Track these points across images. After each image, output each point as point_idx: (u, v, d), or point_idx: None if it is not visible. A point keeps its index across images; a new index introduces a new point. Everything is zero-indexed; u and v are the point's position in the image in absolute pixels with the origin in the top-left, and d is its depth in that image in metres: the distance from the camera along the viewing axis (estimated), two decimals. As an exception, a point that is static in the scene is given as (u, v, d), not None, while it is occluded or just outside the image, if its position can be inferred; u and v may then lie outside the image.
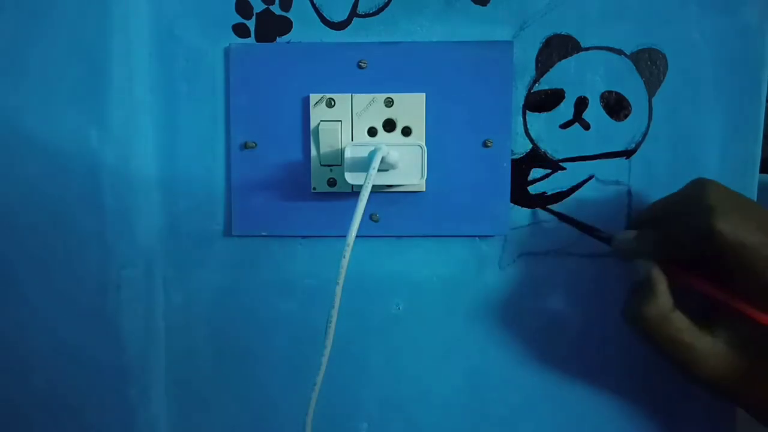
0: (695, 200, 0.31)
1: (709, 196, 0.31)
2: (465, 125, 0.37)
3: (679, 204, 0.33)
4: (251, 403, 0.40)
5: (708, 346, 0.32)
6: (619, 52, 0.37)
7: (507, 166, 0.37)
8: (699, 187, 0.32)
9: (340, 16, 0.37)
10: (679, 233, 0.32)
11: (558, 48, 0.37)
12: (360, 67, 0.37)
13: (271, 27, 0.37)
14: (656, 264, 0.33)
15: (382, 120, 0.37)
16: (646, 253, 0.33)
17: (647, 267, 0.33)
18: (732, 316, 0.32)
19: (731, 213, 0.30)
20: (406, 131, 0.37)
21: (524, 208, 0.38)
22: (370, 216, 0.38)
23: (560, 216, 0.37)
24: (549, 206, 0.38)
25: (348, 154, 0.34)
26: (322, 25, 0.37)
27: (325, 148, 0.37)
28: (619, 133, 0.37)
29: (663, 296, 0.32)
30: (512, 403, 0.39)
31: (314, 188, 0.38)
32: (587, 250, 0.38)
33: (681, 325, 0.32)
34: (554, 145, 0.38)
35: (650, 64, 0.37)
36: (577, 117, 0.37)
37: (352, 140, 0.37)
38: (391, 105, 0.37)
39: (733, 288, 0.31)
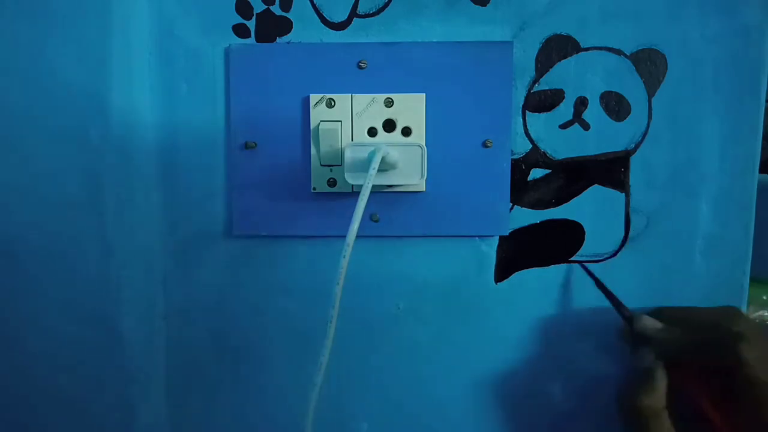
0: (727, 320, 0.32)
1: (740, 323, 0.32)
2: (465, 125, 0.37)
3: (712, 317, 0.34)
4: (251, 403, 0.40)
5: None
6: (619, 52, 0.37)
7: (507, 166, 0.37)
8: (733, 312, 0.34)
9: (340, 17, 0.37)
10: (707, 345, 0.32)
11: (558, 48, 0.37)
12: (360, 67, 0.37)
13: (271, 27, 0.37)
14: (660, 361, 0.34)
15: (382, 120, 0.37)
16: (664, 346, 0.34)
17: (654, 360, 0.34)
18: None
19: (760, 345, 0.31)
20: (406, 131, 0.37)
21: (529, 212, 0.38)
22: (370, 216, 0.38)
23: (595, 281, 0.37)
24: (586, 265, 0.38)
25: (348, 154, 0.34)
26: (322, 25, 0.37)
27: (325, 148, 0.37)
28: (618, 134, 0.37)
29: (660, 392, 0.33)
30: (512, 403, 0.39)
31: (314, 188, 0.38)
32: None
33: (666, 425, 0.33)
34: (554, 145, 0.38)
35: (650, 65, 0.37)
36: (577, 117, 0.37)
37: (352, 140, 0.37)
38: (391, 105, 0.37)
39: (731, 410, 0.32)
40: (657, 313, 0.36)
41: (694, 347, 0.33)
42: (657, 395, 0.33)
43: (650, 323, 0.35)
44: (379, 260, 0.39)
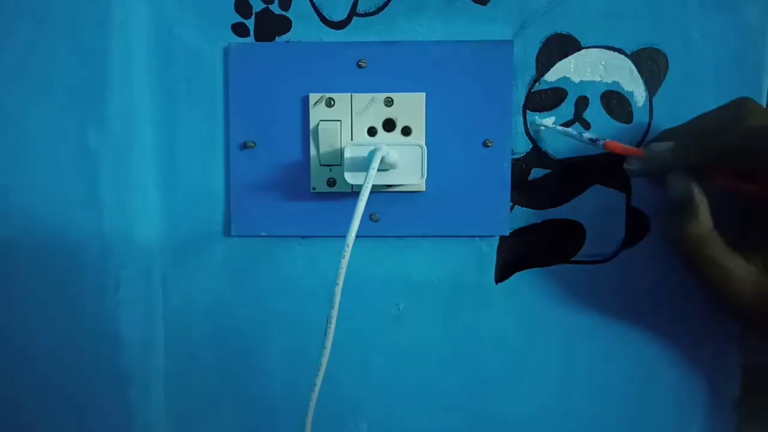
0: (742, 109, 0.31)
1: (756, 107, 0.31)
2: (465, 125, 0.37)
3: (724, 113, 0.32)
4: (251, 404, 0.40)
5: (743, 271, 0.31)
6: (620, 51, 0.37)
7: (507, 166, 0.37)
8: (744, 100, 0.32)
9: (339, 16, 0.37)
10: (727, 136, 0.31)
11: (558, 47, 0.37)
12: (360, 66, 0.37)
13: (271, 26, 0.37)
14: (695, 182, 0.32)
15: (382, 120, 0.37)
16: (685, 162, 0.32)
17: (689, 185, 0.32)
18: (766, 238, 0.32)
19: None
20: (406, 131, 0.37)
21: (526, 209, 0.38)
22: (370, 216, 0.38)
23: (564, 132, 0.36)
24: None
25: (348, 153, 0.34)
26: (322, 24, 0.37)
27: (324, 148, 0.37)
28: (619, 133, 0.37)
29: (704, 215, 0.32)
30: (512, 404, 0.39)
31: (314, 188, 0.38)
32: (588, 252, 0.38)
33: (718, 246, 0.32)
34: (555, 145, 0.37)
35: (651, 64, 0.37)
36: (578, 117, 0.37)
37: (351, 140, 0.37)
38: (391, 105, 0.37)
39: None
40: (660, 136, 0.35)
41: (716, 142, 0.31)
42: (701, 220, 0.32)
43: (660, 147, 0.33)
44: (379, 260, 0.39)
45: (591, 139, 0.35)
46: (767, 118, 0.31)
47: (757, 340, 0.37)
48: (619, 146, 0.34)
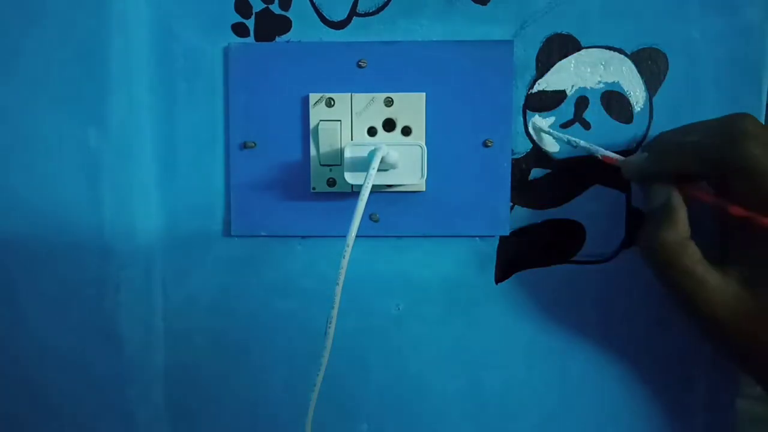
0: (729, 124, 0.30)
1: (746, 123, 0.30)
2: (465, 125, 0.37)
3: (709, 128, 0.32)
4: (251, 403, 0.40)
5: (718, 282, 0.31)
6: (620, 51, 0.37)
7: (507, 166, 0.37)
8: (734, 117, 0.31)
9: (339, 15, 0.37)
10: (704, 148, 0.30)
11: (558, 47, 0.37)
12: (360, 66, 0.37)
13: (271, 26, 0.37)
14: (675, 190, 0.32)
15: (382, 120, 0.37)
16: (660, 169, 0.32)
17: (667, 192, 0.32)
18: (746, 251, 0.31)
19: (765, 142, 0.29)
20: (406, 131, 0.37)
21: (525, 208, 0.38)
22: (369, 216, 0.38)
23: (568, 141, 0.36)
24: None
25: (348, 153, 0.34)
26: (322, 24, 0.37)
27: (324, 148, 0.37)
28: (619, 133, 0.37)
29: (682, 223, 0.31)
30: (512, 404, 0.39)
31: (314, 188, 0.38)
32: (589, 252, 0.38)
33: (695, 256, 0.31)
34: (555, 145, 0.37)
35: (651, 64, 0.37)
36: (578, 117, 0.37)
37: (351, 140, 0.37)
38: (391, 105, 0.37)
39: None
40: (644, 146, 0.35)
41: (693, 157, 0.31)
42: (678, 227, 0.31)
43: (635, 158, 0.33)
44: (379, 260, 0.39)
45: (580, 146, 0.36)
46: (761, 128, 0.30)
47: (726, 358, 0.36)
48: (606, 156, 0.35)
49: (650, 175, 0.33)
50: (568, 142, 0.36)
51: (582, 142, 0.36)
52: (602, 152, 0.35)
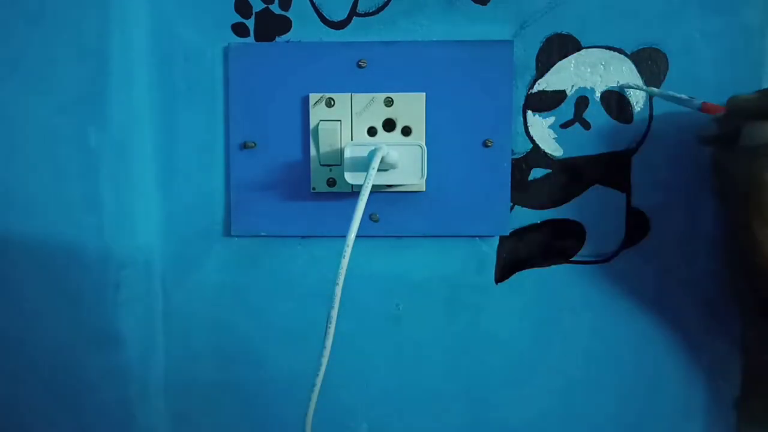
0: None
1: None
2: (465, 125, 0.37)
3: None
4: (251, 403, 0.40)
5: None
6: (620, 51, 0.37)
7: (507, 166, 0.37)
8: None
9: (339, 16, 0.37)
10: None
11: (558, 47, 0.37)
12: (360, 66, 0.37)
13: (271, 26, 0.37)
14: None
15: (382, 120, 0.37)
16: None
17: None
18: None
19: None
20: (406, 131, 0.37)
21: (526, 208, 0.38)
22: (369, 216, 0.38)
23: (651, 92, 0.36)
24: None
25: (348, 153, 0.34)
26: (322, 24, 0.37)
27: (324, 148, 0.37)
28: (619, 133, 0.37)
29: None
30: (511, 404, 0.39)
31: (314, 188, 0.38)
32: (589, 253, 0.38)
33: None
34: (555, 145, 0.37)
35: (651, 64, 0.37)
36: (578, 116, 0.37)
37: (351, 140, 0.37)
38: (391, 105, 0.37)
39: None
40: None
41: None
42: None
43: (744, 96, 0.33)
44: (379, 260, 0.39)
45: (686, 99, 0.34)
46: None
47: None
48: (713, 107, 0.34)
49: (760, 112, 0.32)
50: (660, 96, 0.35)
51: (677, 94, 0.35)
52: (699, 102, 0.34)
